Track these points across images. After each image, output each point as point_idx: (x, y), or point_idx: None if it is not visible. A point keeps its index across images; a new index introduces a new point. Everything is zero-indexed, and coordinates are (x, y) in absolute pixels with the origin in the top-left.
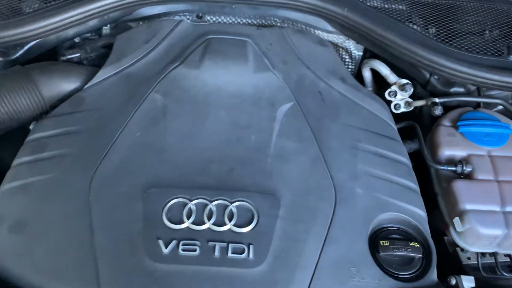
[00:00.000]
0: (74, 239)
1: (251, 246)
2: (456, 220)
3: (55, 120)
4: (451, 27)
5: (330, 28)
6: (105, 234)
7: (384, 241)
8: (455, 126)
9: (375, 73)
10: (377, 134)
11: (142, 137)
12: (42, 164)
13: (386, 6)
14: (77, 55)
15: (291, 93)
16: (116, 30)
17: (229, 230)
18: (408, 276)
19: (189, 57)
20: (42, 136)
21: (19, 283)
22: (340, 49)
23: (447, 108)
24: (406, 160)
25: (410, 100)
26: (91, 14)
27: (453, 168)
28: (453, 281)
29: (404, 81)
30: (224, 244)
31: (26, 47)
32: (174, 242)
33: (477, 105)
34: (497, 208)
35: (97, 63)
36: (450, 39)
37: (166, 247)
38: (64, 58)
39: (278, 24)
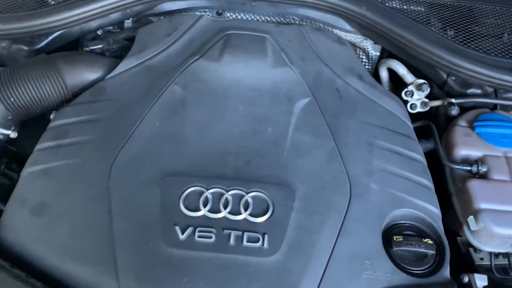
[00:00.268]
0: (93, 224)
1: (265, 236)
2: (471, 218)
3: (77, 108)
4: (469, 29)
5: (348, 27)
6: (123, 219)
7: (397, 237)
8: (471, 126)
9: (391, 73)
10: (393, 131)
11: (161, 127)
12: (64, 150)
13: (405, 7)
14: (100, 46)
15: (309, 89)
16: (137, 24)
17: (245, 219)
18: (421, 272)
19: (209, 51)
20: (65, 123)
21: (39, 263)
22: (358, 49)
23: (463, 109)
24: (421, 158)
25: (427, 100)
26: (115, 7)
27: (469, 168)
28: (466, 279)
29: (421, 81)
30: (239, 233)
31: (50, 37)
32: (190, 229)
33: (494, 107)
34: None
35: (119, 55)
36: (468, 41)
37: (182, 233)
38: (87, 49)
39: (297, 22)
